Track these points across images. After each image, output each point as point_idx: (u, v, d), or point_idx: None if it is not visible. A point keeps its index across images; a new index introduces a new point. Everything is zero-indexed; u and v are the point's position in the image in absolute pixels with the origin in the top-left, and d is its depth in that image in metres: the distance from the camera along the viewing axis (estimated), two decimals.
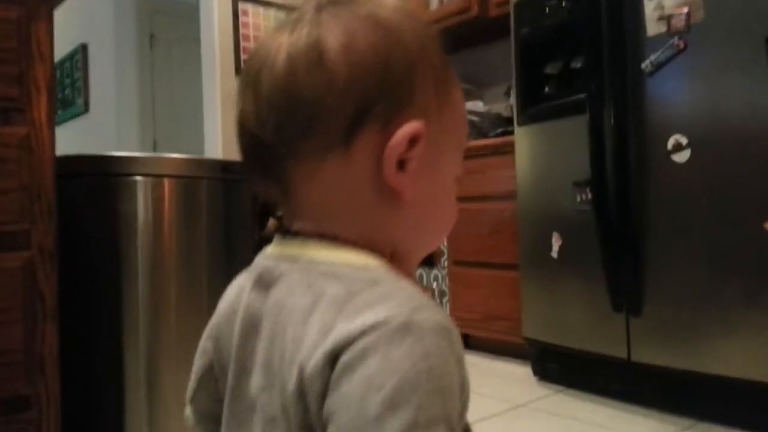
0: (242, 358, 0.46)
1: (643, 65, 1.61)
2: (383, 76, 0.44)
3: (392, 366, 0.37)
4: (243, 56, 3.02)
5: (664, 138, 1.56)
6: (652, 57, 1.59)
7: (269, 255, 0.49)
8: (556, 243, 1.87)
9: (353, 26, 0.45)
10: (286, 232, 0.48)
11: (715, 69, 1.48)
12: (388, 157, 0.44)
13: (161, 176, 1.09)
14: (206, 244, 1.13)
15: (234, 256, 1.15)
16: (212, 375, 0.51)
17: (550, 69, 1.93)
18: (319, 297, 0.41)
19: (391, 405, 0.36)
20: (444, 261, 2.39)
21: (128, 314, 1.05)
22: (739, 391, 1.51)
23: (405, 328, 0.38)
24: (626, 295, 1.67)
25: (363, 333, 0.38)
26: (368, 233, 0.46)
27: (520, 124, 1.98)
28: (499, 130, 2.36)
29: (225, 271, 1.12)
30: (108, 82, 4.22)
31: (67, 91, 4.73)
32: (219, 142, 3.01)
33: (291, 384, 0.40)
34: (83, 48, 4.52)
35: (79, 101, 4.58)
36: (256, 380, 0.44)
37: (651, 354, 1.63)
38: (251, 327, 0.45)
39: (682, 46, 1.53)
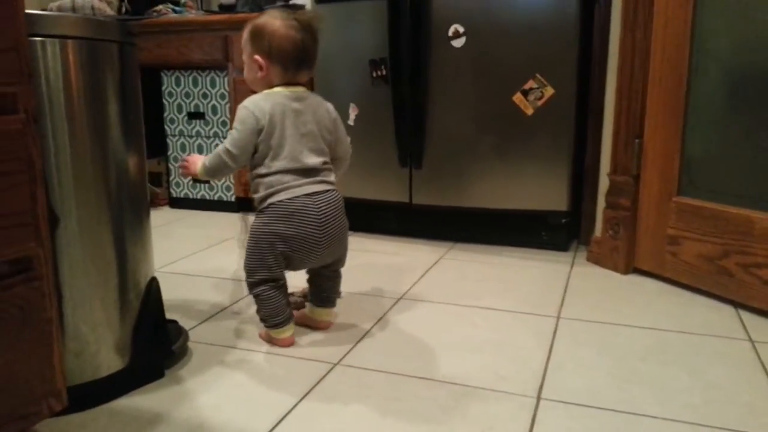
0: (297, 118, 1.27)
1: None
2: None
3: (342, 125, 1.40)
4: None
5: (446, 26, 1.98)
6: None
7: (288, 92, 1.29)
8: (353, 112, 2.18)
9: None
10: (290, 84, 1.31)
11: None
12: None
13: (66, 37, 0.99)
14: (113, 106, 1.09)
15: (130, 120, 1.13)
16: (257, 134, 1.25)
17: None
18: (322, 102, 1.35)
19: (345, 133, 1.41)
20: None
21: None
22: (480, 217, 2.11)
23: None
24: (411, 153, 2.10)
25: (336, 114, 1.38)
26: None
27: (318, 1, 2.17)
28: (279, 3, 2.41)
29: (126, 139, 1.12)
30: None
31: None
32: None
33: (328, 124, 1.33)
34: None
35: None
36: (309, 125, 1.29)
37: (426, 197, 2.13)
38: (299, 113, 1.28)
39: None
